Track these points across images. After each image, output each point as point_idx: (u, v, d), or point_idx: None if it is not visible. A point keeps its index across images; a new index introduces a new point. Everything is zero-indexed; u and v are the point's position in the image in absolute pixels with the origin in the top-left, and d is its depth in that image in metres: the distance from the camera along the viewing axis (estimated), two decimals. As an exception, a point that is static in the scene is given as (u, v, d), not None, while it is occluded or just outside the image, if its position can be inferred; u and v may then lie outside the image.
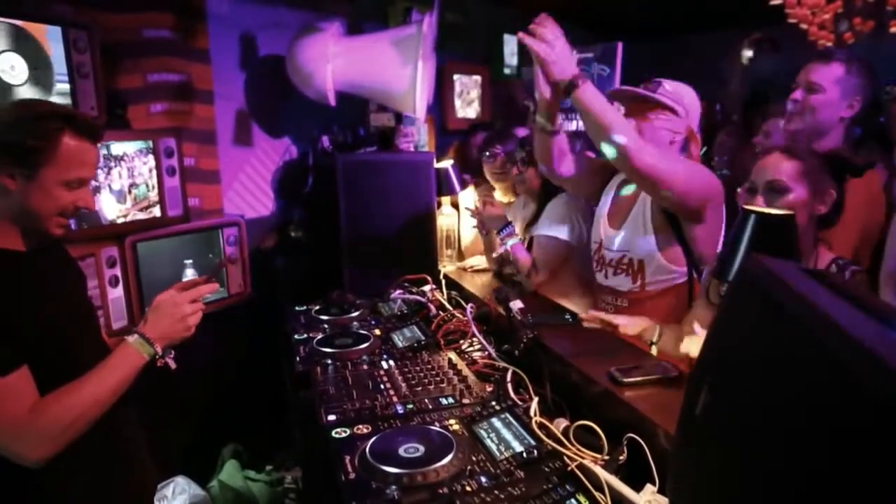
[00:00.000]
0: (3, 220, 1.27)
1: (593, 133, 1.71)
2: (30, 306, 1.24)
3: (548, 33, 1.66)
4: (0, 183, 1.22)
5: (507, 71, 4.09)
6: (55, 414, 1.21)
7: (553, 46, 1.66)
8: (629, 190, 1.99)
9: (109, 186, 2.27)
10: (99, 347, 1.44)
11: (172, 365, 1.47)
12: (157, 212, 2.39)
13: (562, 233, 2.29)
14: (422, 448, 1.27)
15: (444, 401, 1.53)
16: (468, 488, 1.16)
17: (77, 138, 1.26)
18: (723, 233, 1.82)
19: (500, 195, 2.79)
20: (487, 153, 2.66)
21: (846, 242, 1.76)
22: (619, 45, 2.26)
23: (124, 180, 2.33)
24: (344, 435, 1.37)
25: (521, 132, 2.83)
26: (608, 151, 1.69)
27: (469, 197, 3.16)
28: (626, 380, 1.43)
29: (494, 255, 2.64)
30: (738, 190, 1.60)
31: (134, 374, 1.34)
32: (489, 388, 1.59)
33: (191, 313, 1.41)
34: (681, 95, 1.86)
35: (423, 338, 1.96)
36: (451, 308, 2.18)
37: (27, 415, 1.18)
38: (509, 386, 1.55)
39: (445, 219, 3.13)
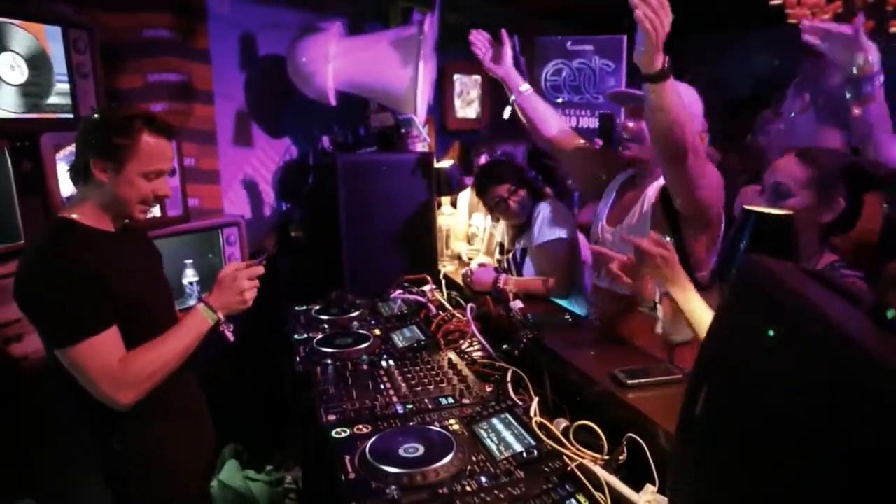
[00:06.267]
0: (98, 206, 1.49)
1: (660, 129, 1.59)
2: (119, 276, 1.46)
3: (662, 8, 1.45)
4: (95, 175, 1.44)
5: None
6: (140, 365, 1.44)
7: (664, 25, 1.44)
8: (631, 192, 1.98)
9: (109, 186, 2.27)
10: (172, 317, 1.68)
11: (231, 337, 1.68)
12: (157, 212, 2.38)
13: (561, 232, 2.33)
14: (422, 448, 1.27)
15: (443, 401, 1.53)
16: (468, 488, 1.16)
17: (155, 136, 1.46)
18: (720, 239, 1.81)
19: None
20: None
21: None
22: (623, 39, 2.20)
23: (124, 180, 2.33)
24: (344, 435, 1.37)
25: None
26: (668, 143, 1.61)
27: (467, 198, 3.16)
28: (630, 382, 1.43)
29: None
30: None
31: (201, 337, 1.57)
32: (489, 388, 1.59)
33: (248, 288, 1.62)
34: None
35: (422, 338, 1.96)
36: (450, 308, 2.18)
37: (118, 365, 1.41)
38: (509, 386, 1.55)
39: (445, 219, 3.13)
